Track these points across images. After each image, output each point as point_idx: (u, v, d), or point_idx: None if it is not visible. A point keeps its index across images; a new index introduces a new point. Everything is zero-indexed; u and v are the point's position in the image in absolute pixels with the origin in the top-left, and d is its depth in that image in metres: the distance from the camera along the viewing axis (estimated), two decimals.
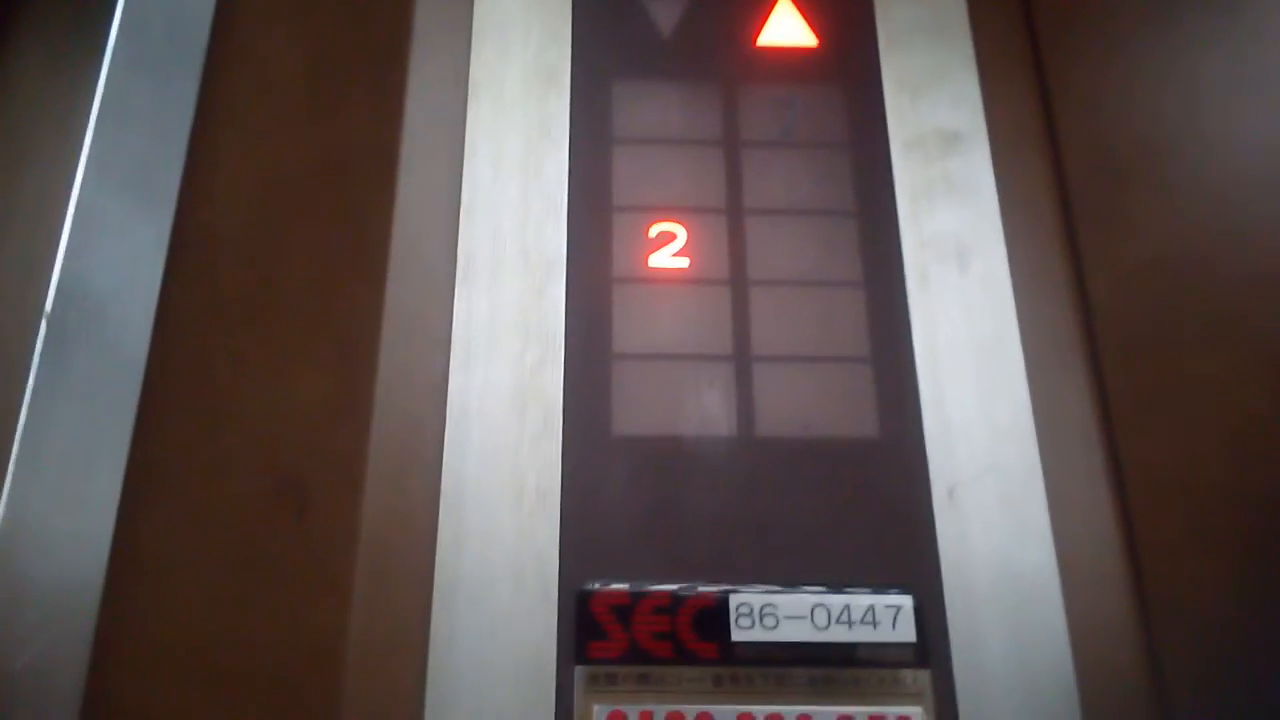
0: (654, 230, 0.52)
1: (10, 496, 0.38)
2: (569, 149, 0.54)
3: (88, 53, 0.47)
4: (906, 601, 0.45)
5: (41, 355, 0.40)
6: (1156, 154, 0.51)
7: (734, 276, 0.52)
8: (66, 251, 0.42)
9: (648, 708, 0.43)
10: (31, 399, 0.39)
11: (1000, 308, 0.51)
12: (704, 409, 0.49)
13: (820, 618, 0.45)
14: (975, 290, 0.52)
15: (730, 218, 0.53)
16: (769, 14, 0.58)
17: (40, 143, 0.49)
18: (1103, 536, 0.48)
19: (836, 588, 0.46)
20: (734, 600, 0.45)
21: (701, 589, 0.45)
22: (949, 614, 0.46)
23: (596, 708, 0.43)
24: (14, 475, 0.38)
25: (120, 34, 0.46)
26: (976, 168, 0.54)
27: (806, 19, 0.58)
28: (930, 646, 0.45)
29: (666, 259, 0.51)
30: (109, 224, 0.43)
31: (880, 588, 0.46)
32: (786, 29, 0.57)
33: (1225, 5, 0.49)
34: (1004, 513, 0.48)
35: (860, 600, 0.45)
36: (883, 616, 0.45)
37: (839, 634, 0.44)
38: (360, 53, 0.51)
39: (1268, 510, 0.44)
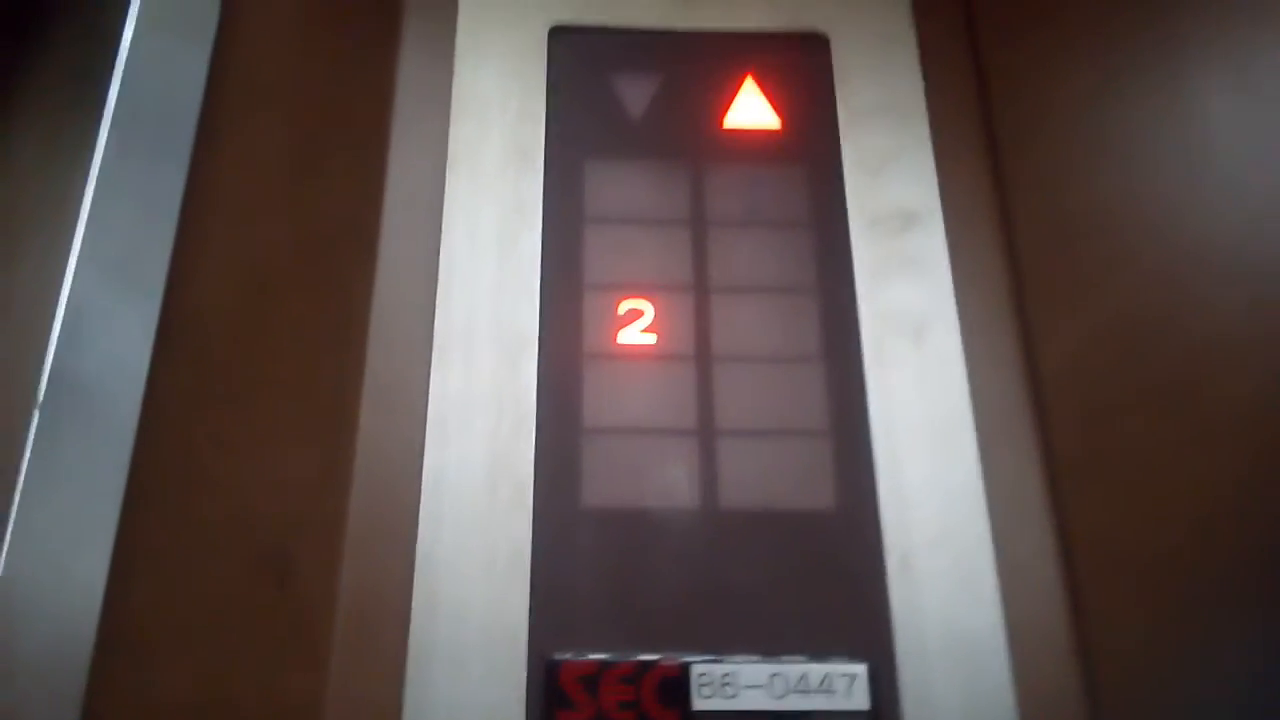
0: (623, 307, 0.54)
1: (5, 573, 0.40)
2: (542, 227, 0.55)
3: (81, 141, 0.48)
4: (861, 669, 0.47)
5: (34, 442, 0.42)
6: (1106, 229, 0.53)
7: (699, 351, 0.53)
8: (58, 342, 0.43)
9: None
10: (25, 482, 0.41)
11: (953, 380, 0.53)
12: (669, 481, 0.51)
13: (779, 686, 0.46)
14: (930, 364, 0.54)
15: (696, 294, 0.55)
16: (735, 95, 0.60)
17: (34, 231, 0.51)
18: (1050, 602, 0.50)
19: (794, 656, 0.47)
20: (695, 670, 0.46)
21: (665, 659, 0.46)
22: (900, 680, 0.47)
23: None
24: (8, 554, 0.40)
25: (114, 122, 0.48)
26: (932, 245, 0.56)
27: (770, 101, 0.60)
28: (883, 712, 0.47)
29: (635, 335, 0.53)
30: (99, 312, 0.44)
31: (836, 656, 0.47)
32: (751, 111, 0.60)
33: (1171, 87, 0.51)
34: (955, 580, 0.49)
35: (816, 669, 0.47)
36: (838, 684, 0.47)
37: (795, 702, 0.46)
38: (342, 135, 0.53)
39: (1213, 577, 0.45)
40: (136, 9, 0.50)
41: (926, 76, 0.62)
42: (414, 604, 0.47)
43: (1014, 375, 0.55)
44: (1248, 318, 0.45)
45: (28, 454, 0.42)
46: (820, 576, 0.50)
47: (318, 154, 0.53)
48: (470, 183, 0.56)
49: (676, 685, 0.46)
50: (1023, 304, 0.56)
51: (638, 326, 0.54)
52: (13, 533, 0.41)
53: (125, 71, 0.49)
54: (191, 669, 0.43)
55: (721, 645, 0.48)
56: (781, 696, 0.46)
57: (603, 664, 0.46)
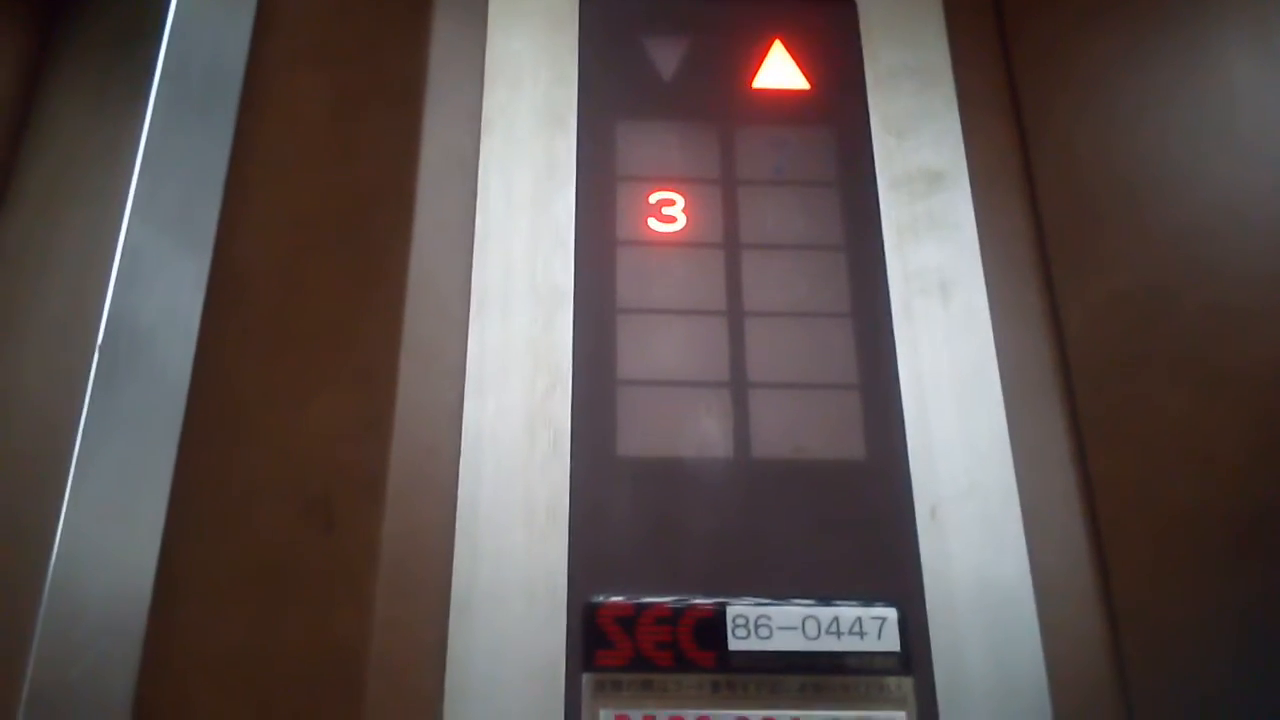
0: (656, 263, 0.55)
1: (67, 517, 0.41)
2: (576, 186, 0.56)
3: (131, 99, 0.49)
4: (891, 613, 0.48)
5: (94, 386, 0.43)
6: (1127, 192, 0.54)
7: (731, 306, 0.55)
8: (115, 288, 0.45)
9: (650, 712, 0.46)
10: (85, 425, 0.43)
11: (979, 338, 0.54)
12: (703, 432, 0.52)
13: (811, 628, 0.48)
14: (956, 321, 0.55)
15: (727, 252, 0.56)
16: (764, 58, 0.61)
17: (85, 185, 0.52)
18: (1074, 552, 0.51)
19: (826, 600, 0.48)
20: (730, 612, 0.48)
21: (700, 601, 0.48)
22: (931, 625, 0.49)
23: (603, 712, 0.46)
24: (70, 497, 0.41)
25: (162, 81, 0.49)
26: (958, 205, 0.57)
27: (799, 63, 0.61)
28: (913, 655, 0.48)
29: (667, 290, 0.54)
30: (153, 261, 0.46)
31: (867, 600, 0.49)
32: (780, 73, 0.60)
33: (1194, 54, 0.52)
34: (983, 530, 0.51)
35: (848, 612, 0.48)
36: (869, 627, 0.48)
37: (828, 644, 0.47)
38: (379, 95, 0.54)
39: (1227, 529, 0.46)
40: None
41: (952, 39, 0.63)
42: (456, 550, 0.49)
43: (1038, 332, 0.56)
44: (1270, 281, 0.46)
45: (88, 398, 0.43)
46: (851, 524, 0.51)
47: (357, 115, 0.54)
48: (505, 143, 0.57)
49: (713, 626, 0.47)
50: (1047, 263, 0.57)
51: (670, 283, 0.54)
52: (74, 477, 0.42)
53: (172, 32, 0.50)
54: (243, 611, 0.44)
55: (756, 589, 0.49)
56: (814, 638, 0.47)
57: (640, 606, 0.48)
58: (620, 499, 0.50)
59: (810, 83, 0.60)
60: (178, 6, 0.51)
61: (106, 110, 0.52)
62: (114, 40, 0.54)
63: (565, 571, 0.49)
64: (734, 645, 0.47)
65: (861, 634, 0.48)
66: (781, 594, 0.49)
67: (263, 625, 0.44)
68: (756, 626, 0.47)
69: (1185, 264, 0.50)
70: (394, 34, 0.56)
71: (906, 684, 0.48)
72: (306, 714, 0.43)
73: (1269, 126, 0.48)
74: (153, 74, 0.49)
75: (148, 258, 0.46)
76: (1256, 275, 0.47)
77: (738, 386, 0.53)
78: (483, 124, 0.58)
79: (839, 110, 0.60)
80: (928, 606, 0.49)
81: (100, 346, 0.44)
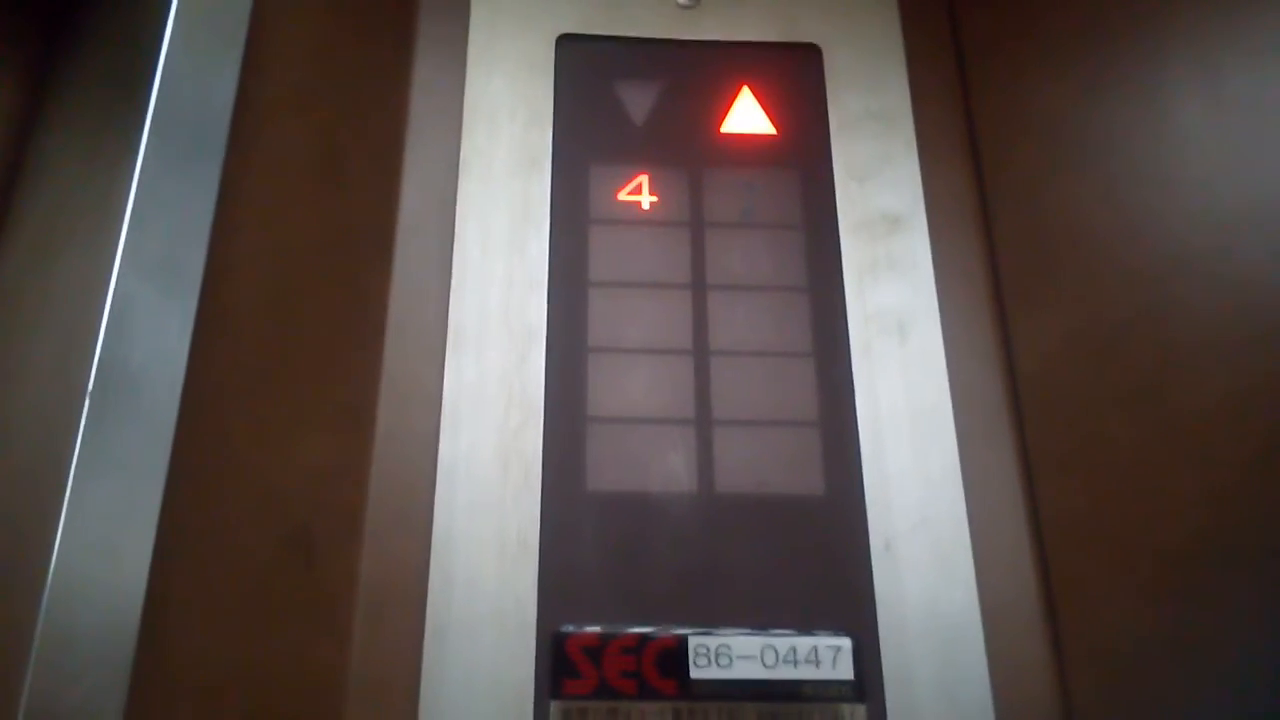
0: (626, 305, 0.57)
1: (60, 552, 0.43)
2: (550, 228, 0.58)
3: (122, 148, 0.51)
4: (846, 643, 0.50)
5: (85, 428, 0.45)
6: (1082, 234, 0.55)
7: (696, 345, 0.57)
8: (105, 332, 0.47)
9: None
10: (77, 464, 0.45)
11: (935, 376, 0.57)
12: (669, 467, 0.54)
13: (769, 657, 0.50)
14: (913, 360, 0.57)
15: (695, 292, 0.58)
16: (732, 104, 0.63)
17: (78, 231, 0.54)
18: (1022, 583, 0.53)
19: (784, 630, 0.50)
20: (693, 642, 0.50)
21: (664, 631, 0.50)
22: (883, 654, 0.51)
23: None
24: (63, 533, 0.44)
25: (152, 131, 0.51)
26: (916, 248, 0.60)
27: (765, 109, 0.63)
28: (866, 683, 0.50)
29: (637, 330, 0.56)
30: (142, 306, 0.48)
31: (823, 630, 0.51)
32: (748, 118, 0.63)
33: (1146, 97, 0.53)
34: (934, 562, 0.53)
35: (805, 642, 0.50)
36: (824, 656, 0.50)
37: (785, 672, 0.49)
38: (361, 140, 0.56)
39: (1172, 562, 0.48)
40: (173, 19, 0.53)
41: (914, 86, 0.65)
42: (430, 581, 0.51)
43: (993, 371, 0.58)
44: (1219, 322, 0.48)
45: (80, 439, 0.45)
46: (809, 557, 0.53)
47: (339, 160, 0.56)
48: (481, 186, 0.59)
49: (675, 656, 0.49)
50: (1002, 304, 0.59)
51: (639, 324, 0.56)
52: (66, 514, 0.44)
53: (162, 81, 0.52)
54: (227, 640, 0.46)
55: (717, 619, 0.51)
56: (772, 666, 0.49)
57: (606, 636, 0.50)
58: (588, 531, 0.53)
59: (776, 128, 0.62)
60: (168, 56, 0.53)
61: (99, 158, 0.54)
62: (106, 89, 0.56)
63: (535, 601, 0.51)
64: (695, 674, 0.49)
65: (817, 663, 0.50)
66: (741, 623, 0.51)
67: (246, 653, 0.46)
68: (717, 656, 0.49)
69: (1136, 304, 0.52)
70: (376, 81, 0.58)
71: (860, 711, 0.50)
72: None
73: (1216, 169, 0.50)
74: (143, 123, 0.51)
75: (137, 303, 0.48)
76: (1205, 315, 0.49)
77: (703, 424, 0.55)
78: (460, 166, 0.59)
79: (804, 155, 0.62)
80: (880, 635, 0.51)
81: (91, 390, 0.46)
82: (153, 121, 0.51)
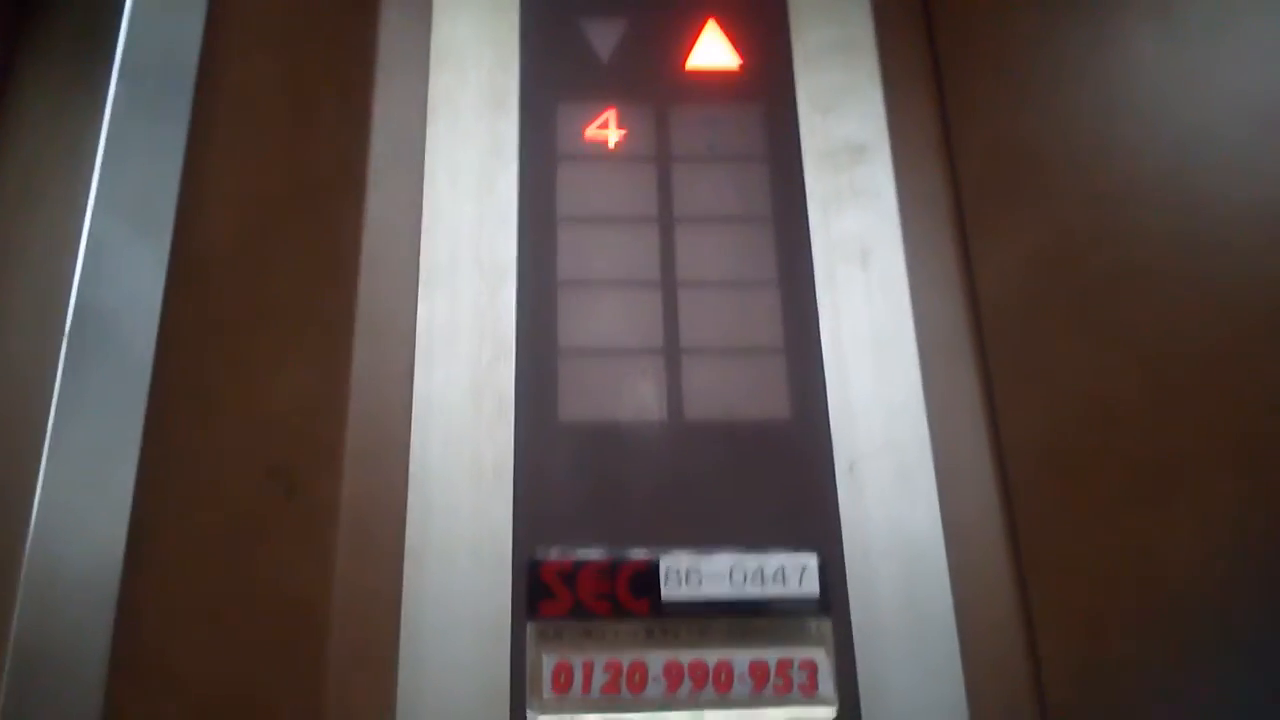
0: (594, 240, 0.58)
1: (43, 488, 0.45)
2: (518, 166, 0.59)
3: (92, 93, 0.52)
4: (811, 560, 0.52)
5: (64, 368, 0.47)
6: (1040, 161, 0.56)
7: (664, 277, 0.58)
8: (81, 277, 0.48)
9: (589, 657, 0.49)
10: (57, 405, 0.46)
11: (897, 302, 0.58)
12: (639, 396, 0.55)
13: (737, 576, 0.51)
14: (876, 287, 0.58)
15: (661, 225, 0.59)
16: (697, 38, 0.64)
17: (53, 180, 0.55)
18: (984, 502, 0.55)
19: (751, 549, 0.52)
20: (663, 563, 0.51)
21: (635, 554, 0.51)
22: (848, 571, 0.52)
23: (545, 658, 0.49)
24: (45, 469, 0.45)
25: (120, 76, 0.52)
26: (879, 176, 0.61)
27: (731, 42, 0.64)
28: (831, 599, 0.52)
29: (605, 263, 0.58)
30: (116, 249, 0.49)
31: (789, 549, 0.52)
32: (713, 53, 0.63)
33: (1102, 30, 0.54)
34: (897, 483, 0.54)
35: (771, 560, 0.52)
36: (791, 574, 0.51)
37: (753, 590, 0.51)
38: (330, 81, 0.57)
39: (1123, 475, 0.50)
40: None
41: (877, 16, 0.65)
42: (409, 510, 0.52)
43: (954, 296, 0.59)
44: (1169, 243, 0.49)
45: (59, 380, 0.46)
46: (775, 480, 0.54)
47: (308, 102, 0.57)
48: (450, 126, 0.60)
49: (647, 577, 0.51)
50: (963, 229, 0.60)
51: (608, 254, 0.57)
52: (48, 453, 0.45)
53: (129, 26, 0.53)
54: (211, 571, 0.48)
55: (687, 541, 0.53)
56: (741, 585, 0.51)
57: (579, 560, 0.51)
58: (561, 460, 0.54)
59: (741, 61, 0.63)
60: (134, 2, 0.53)
61: (71, 103, 0.55)
62: (76, 36, 0.57)
63: (510, 528, 0.52)
64: (666, 594, 0.51)
65: (784, 580, 0.51)
66: (711, 545, 0.52)
67: (229, 584, 0.48)
68: (687, 576, 0.51)
69: (1093, 228, 0.53)
70: (343, 22, 0.59)
71: (825, 625, 0.52)
72: (272, 663, 0.47)
73: (1168, 99, 0.51)
74: (111, 69, 0.52)
75: (110, 246, 0.49)
76: (1159, 236, 0.50)
77: (671, 353, 0.56)
78: (429, 106, 0.60)
79: (768, 87, 0.63)
80: (845, 554, 0.53)
81: (69, 331, 0.47)
82: (120, 66, 0.52)
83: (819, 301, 0.58)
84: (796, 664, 0.50)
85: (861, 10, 0.65)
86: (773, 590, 0.51)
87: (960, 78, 0.62)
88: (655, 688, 0.49)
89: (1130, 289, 0.51)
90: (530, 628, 0.51)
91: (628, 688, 0.49)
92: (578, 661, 0.49)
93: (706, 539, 0.53)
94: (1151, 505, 0.49)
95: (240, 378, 0.50)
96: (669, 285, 0.57)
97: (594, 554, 0.52)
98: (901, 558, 0.53)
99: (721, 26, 0.64)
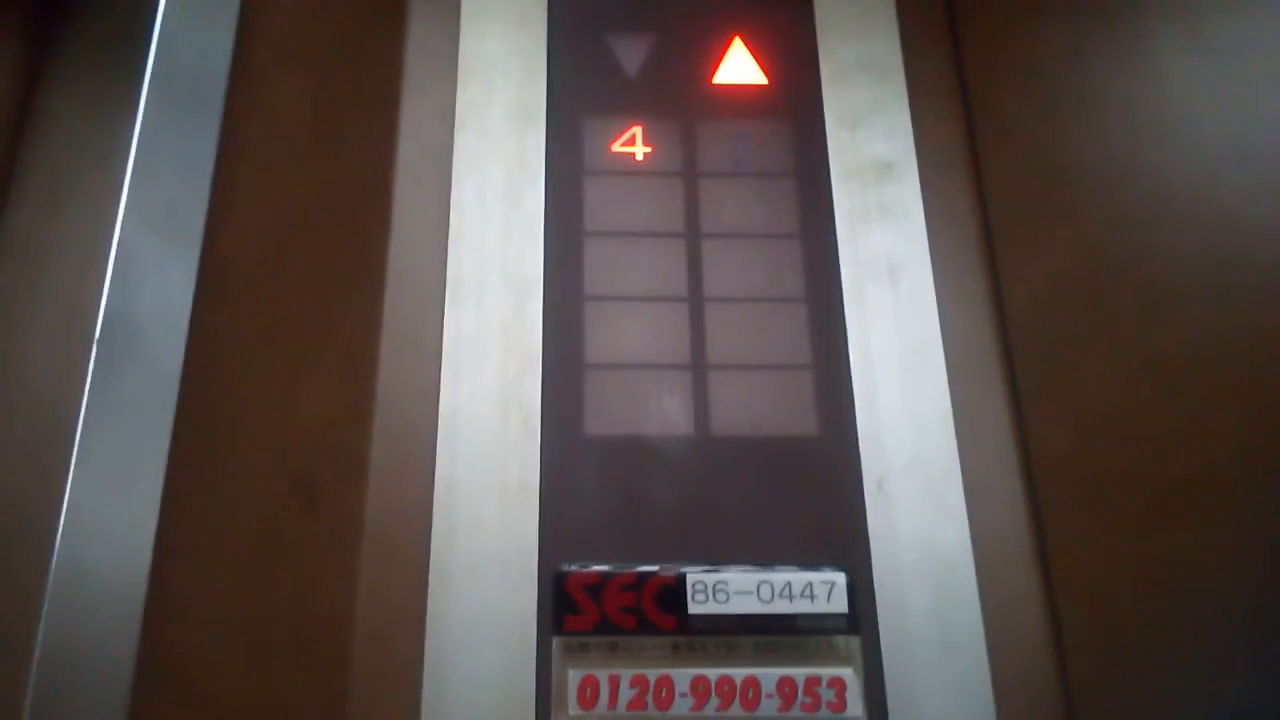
0: (621, 254, 0.58)
1: (71, 496, 0.44)
2: (545, 180, 0.59)
3: (122, 105, 0.52)
4: (840, 578, 0.51)
5: (93, 376, 0.46)
6: (1068, 178, 0.56)
7: (691, 294, 0.57)
8: (111, 285, 0.48)
9: (615, 672, 0.49)
10: (85, 414, 0.46)
11: (926, 319, 0.58)
12: (665, 411, 0.55)
13: (765, 592, 0.51)
14: (904, 303, 0.58)
15: (689, 241, 0.58)
16: (724, 55, 0.64)
17: (83, 186, 0.55)
18: (1013, 519, 0.54)
19: (779, 566, 0.52)
20: (690, 578, 0.51)
21: (662, 569, 0.51)
22: (877, 588, 0.52)
23: (571, 673, 0.49)
24: (73, 477, 0.45)
25: (152, 85, 0.52)
26: (907, 193, 0.60)
27: (757, 59, 0.64)
28: (860, 616, 0.51)
29: (632, 278, 0.57)
30: (146, 259, 0.49)
31: (817, 566, 0.52)
32: (740, 69, 0.63)
33: (1130, 48, 0.54)
34: (926, 500, 0.54)
35: (800, 577, 0.51)
36: (819, 591, 0.51)
37: (781, 606, 0.51)
38: (358, 95, 0.57)
39: (1156, 497, 0.49)
40: None
41: (903, 35, 0.65)
42: (434, 524, 0.52)
43: (982, 312, 0.59)
44: (1196, 261, 0.49)
45: (87, 388, 0.46)
46: (803, 496, 0.54)
47: (336, 114, 0.57)
48: (478, 139, 0.60)
49: (673, 592, 0.51)
50: (991, 247, 0.60)
51: (636, 270, 0.57)
52: (77, 457, 0.45)
53: (160, 37, 0.53)
54: (235, 581, 0.47)
55: (714, 557, 0.52)
56: (769, 601, 0.51)
57: (606, 574, 0.51)
58: (587, 474, 0.54)
59: (768, 78, 0.63)
60: (165, 12, 0.53)
61: (101, 114, 0.55)
62: (106, 47, 0.57)
63: (536, 542, 0.52)
64: (693, 609, 0.50)
65: (812, 597, 0.51)
66: (738, 561, 0.52)
67: (254, 595, 0.47)
68: (714, 591, 0.51)
69: (1121, 246, 0.53)
70: (371, 36, 0.59)
71: (854, 642, 0.51)
72: (296, 676, 0.46)
73: (1197, 117, 0.50)
74: (143, 79, 0.52)
75: (141, 255, 0.49)
76: (1187, 255, 0.49)
77: (698, 368, 0.56)
78: (456, 120, 0.60)
79: (795, 104, 0.63)
80: (874, 571, 0.53)
81: (98, 339, 0.47)
82: (152, 77, 0.52)
83: (847, 318, 0.58)
84: (825, 681, 0.49)
85: (888, 28, 0.65)
86: (801, 607, 0.51)
87: (987, 96, 0.62)
88: (682, 704, 0.49)
89: (1158, 307, 0.50)
90: (556, 642, 0.50)
91: (654, 704, 0.49)
92: (604, 676, 0.49)
93: (734, 555, 0.53)
94: (1180, 523, 0.48)
95: (267, 388, 0.50)
96: (696, 300, 0.57)
97: (620, 569, 0.51)
98: (930, 575, 0.53)
99: (747, 43, 0.64)
